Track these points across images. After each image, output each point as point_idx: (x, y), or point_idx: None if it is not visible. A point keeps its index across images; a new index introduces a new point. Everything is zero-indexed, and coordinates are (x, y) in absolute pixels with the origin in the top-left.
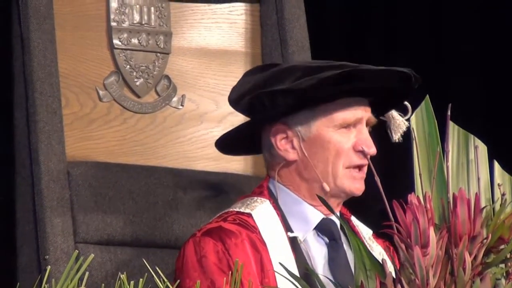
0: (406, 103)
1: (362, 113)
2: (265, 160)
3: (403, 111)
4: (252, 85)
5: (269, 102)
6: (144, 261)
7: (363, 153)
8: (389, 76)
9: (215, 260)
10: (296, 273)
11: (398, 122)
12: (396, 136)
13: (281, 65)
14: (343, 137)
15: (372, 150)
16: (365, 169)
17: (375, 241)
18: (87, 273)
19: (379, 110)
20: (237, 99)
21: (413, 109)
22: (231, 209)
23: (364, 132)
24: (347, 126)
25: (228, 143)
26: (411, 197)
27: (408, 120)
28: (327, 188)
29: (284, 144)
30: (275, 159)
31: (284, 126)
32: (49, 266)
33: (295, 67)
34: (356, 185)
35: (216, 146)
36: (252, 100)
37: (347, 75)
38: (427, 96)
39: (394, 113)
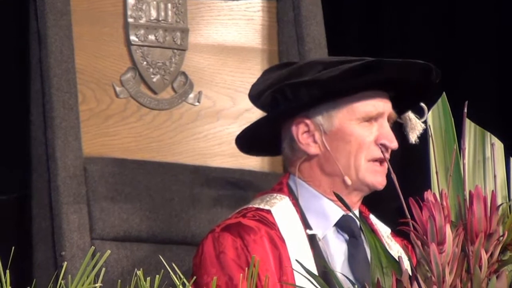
0: (422, 104)
1: (384, 107)
2: (285, 156)
3: (420, 113)
4: (274, 80)
5: (292, 95)
6: (161, 257)
7: (384, 146)
8: (411, 68)
9: (234, 256)
10: (314, 270)
11: (414, 124)
12: (413, 138)
13: (299, 62)
14: (365, 131)
15: (393, 144)
16: (386, 163)
17: (393, 240)
18: (103, 269)
19: (400, 107)
20: (258, 94)
21: (430, 106)
22: (250, 205)
23: (385, 126)
24: (369, 119)
25: (247, 141)
26: (428, 195)
27: (424, 122)
28: (349, 181)
29: (306, 138)
30: (297, 153)
31: (306, 120)
32: (65, 263)
33: (316, 62)
34: (378, 179)
35: (236, 143)
36: (274, 93)
37: (369, 65)
38: (444, 93)
39: (410, 115)
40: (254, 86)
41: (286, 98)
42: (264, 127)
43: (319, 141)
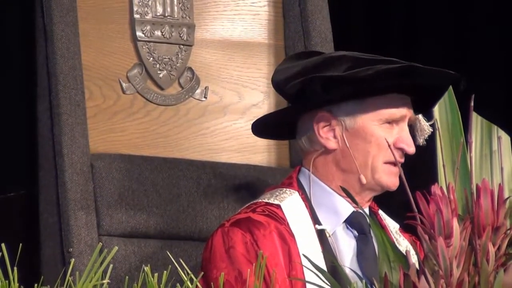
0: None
1: (407, 111)
2: (301, 148)
3: (428, 117)
4: (302, 68)
5: (321, 88)
6: (168, 253)
7: (402, 150)
8: (443, 77)
9: (243, 251)
10: (323, 266)
11: (423, 126)
12: (421, 140)
13: (325, 53)
14: (386, 133)
15: (411, 149)
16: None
17: (401, 235)
18: (111, 265)
19: (416, 108)
20: (285, 81)
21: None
22: (260, 200)
23: (405, 130)
24: (391, 122)
25: (264, 126)
26: (435, 188)
27: (432, 125)
28: (364, 180)
29: (326, 132)
30: (314, 146)
31: (328, 114)
32: (73, 259)
33: (344, 57)
34: (393, 180)
35: (252, 127)
36: (304, 83)
37: (405, 70)
38: (450, 87)
39: (420, 117)
40: (278, 72)
41: (315, 91)
42: (282, 117)
43: (339, 136)
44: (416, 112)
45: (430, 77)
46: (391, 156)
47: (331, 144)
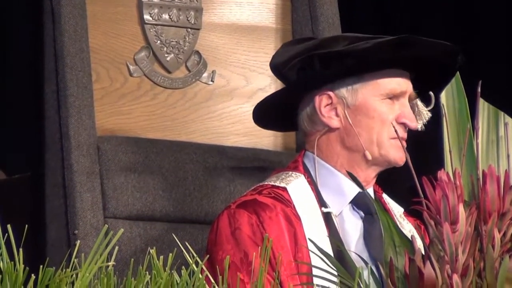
0: (430, 93)
1: (407, 86)
2: (303, 130)
3: (427, 102)
4: (300, 50)
5: (321, 65)
6: (174, 236)
7: (404, 126)
8: (442, 48)
9: (249, 233)
10: (329, 248)
11: (421, 111)
12: (419, 125)
13: (322, 37)
14: (387, 108)
15: (414, 124)
16: (404, 142)
17: (406, 219)
18: (116, 248)
19: (417, 89)
20: (284, 63)
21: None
22: (266, 183)
23: (407, 105)
24: (392, 97)
25: (265, 113)
26: (441, 174)
27: (430, 111)
28: (369, 156)
29: (328, 111)
30: (316, 126)
31: (329, 92)
32: (79, 241)
33: (342, 36)
34: (400, 155)
35: (253, 115)
36: (303, 62)
37: (403, 41)
38: (458, 73)
39: (418, 102)
40: (276, 56)
41: (314, 69)
42: (283, 98)
43: (341, 114)
44: (419, 91)
45: (427, 48)
46: (394, 132)
47: (334, 122)
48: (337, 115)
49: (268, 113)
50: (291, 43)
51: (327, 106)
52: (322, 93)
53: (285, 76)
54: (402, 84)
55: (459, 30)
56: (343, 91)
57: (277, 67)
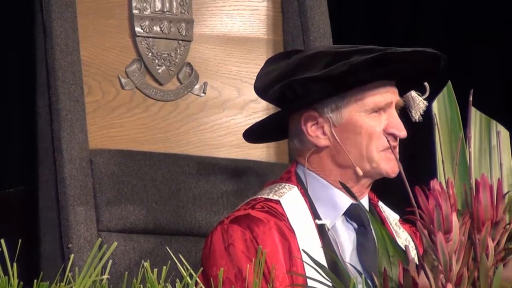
0: (425, 83)
1: (392, 96)
2: (294, 148)
3: (421, 91)
4: (280, 72)
5: (301, 90)
6: (168, 249)
7: (393, 136)
8: (419, 58)
9: (243, 248)
10: (323, 260)
11: (417, 102)
12: (416, 116)
13: (305, 51)
14: (374, 121)
15: (402, 133)
16: (397, 150)
17: (401, 227)
18: (110, 261)
19: (404, 90)
20: (265, 88)
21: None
22: (259, 196)
23: (394, 115)
24: (378, 110)
25: (255, 133)
26: (434, 183)
27: (426, 99)
28: (360, 172)
29: (315, 130)
30: (306, 145)
31: (314, 113)
32: (72, 255)
33: (322, 53)
34: (392, 167)
35: (243, 136)
36: (282, 88)
37: (379, 59)
38: (449, 82)
39: (413, 93)
40: (259, 78)
41: (296, 93)
42: (272, 122)
43: (328, 133)
44: (405, 92)
45: (407, 61)
46: (384, 143)
47: (322, 141)
48: (324, 134)
49: (259, 133)
50: (274, 60)
51: (314, 126)
52: (308, 115)
53: (269, 99)
54: (386, 96)
55: (454, 39)
56: (328, 111)
57: (259, 91)
